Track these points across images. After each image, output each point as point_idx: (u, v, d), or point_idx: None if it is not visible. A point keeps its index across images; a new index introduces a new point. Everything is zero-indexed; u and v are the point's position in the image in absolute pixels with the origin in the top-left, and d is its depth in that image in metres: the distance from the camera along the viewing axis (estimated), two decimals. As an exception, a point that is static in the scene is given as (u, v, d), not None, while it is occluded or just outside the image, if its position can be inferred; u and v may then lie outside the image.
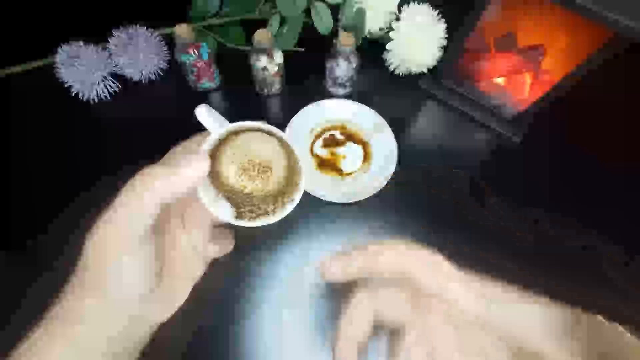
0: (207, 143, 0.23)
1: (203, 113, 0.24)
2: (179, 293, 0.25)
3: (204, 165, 0.21)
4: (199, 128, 0.26)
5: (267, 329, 0.39)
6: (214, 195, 0.24)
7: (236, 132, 0.25)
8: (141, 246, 0.20)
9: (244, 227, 0.24)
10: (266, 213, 0.24)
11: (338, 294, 0.41)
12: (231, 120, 0.24)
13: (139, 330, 0.23)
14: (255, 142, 0.26)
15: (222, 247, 0.28)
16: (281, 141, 0.25)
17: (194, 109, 0.25)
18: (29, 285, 0.37)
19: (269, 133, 0.25)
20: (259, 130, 0.25)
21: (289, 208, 0.25)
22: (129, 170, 0.21)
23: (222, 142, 0.25)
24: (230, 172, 0.25)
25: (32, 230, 0.41)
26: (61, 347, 0.20)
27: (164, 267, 0.23)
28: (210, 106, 0.26)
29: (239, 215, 0.24)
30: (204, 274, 0.27)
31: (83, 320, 0.21)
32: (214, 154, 0.24)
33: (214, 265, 0.28)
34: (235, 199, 0.25)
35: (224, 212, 0.24)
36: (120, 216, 0.20)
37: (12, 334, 0.21)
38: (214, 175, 0.24)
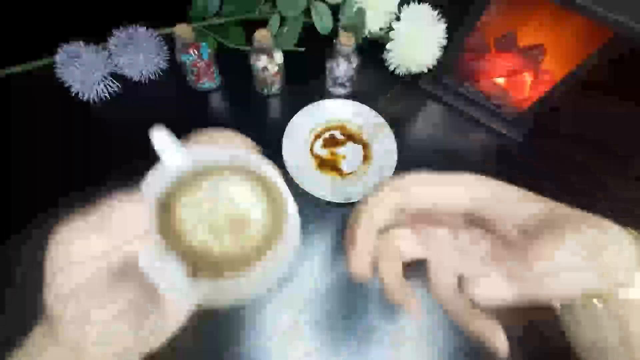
0: (156, 181, 0.16)
1: (162, 134, 0.17)
2: (171, 320, 0.21)
3: (144, 225, 0.16)
4: (199, 128, 0.25)
5: (267, 329, 0.39)
6: (159, 253, 0.16)
7: (203, 172, 0.18)
8: (105, 293, 0.17)
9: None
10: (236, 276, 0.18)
11: (337, 295, 0.41)
12: (230, 122, 0.19)
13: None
14: (232, 187, 0.18)
15: None
16: (263, 180, 0.18)
17: (194, 109, 0.24)
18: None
19: (248, 169, 0.18)
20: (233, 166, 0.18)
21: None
22: (128, 169, 0.21)
23: (180, 183, 0.17)
24: (192, 233, 0.17)
25: (31, 228, 0.41)
26: None
27: (152, 297, 0.20)
28: (211, 106, 0.23)
29: (194, 276, 0.17)
30: None
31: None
32: (167, 200, 0.17)
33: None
34: (194, 260, 0.17)
35: (174, 277, 0.16)
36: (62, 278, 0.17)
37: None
38: (163, 229, 0.17)
